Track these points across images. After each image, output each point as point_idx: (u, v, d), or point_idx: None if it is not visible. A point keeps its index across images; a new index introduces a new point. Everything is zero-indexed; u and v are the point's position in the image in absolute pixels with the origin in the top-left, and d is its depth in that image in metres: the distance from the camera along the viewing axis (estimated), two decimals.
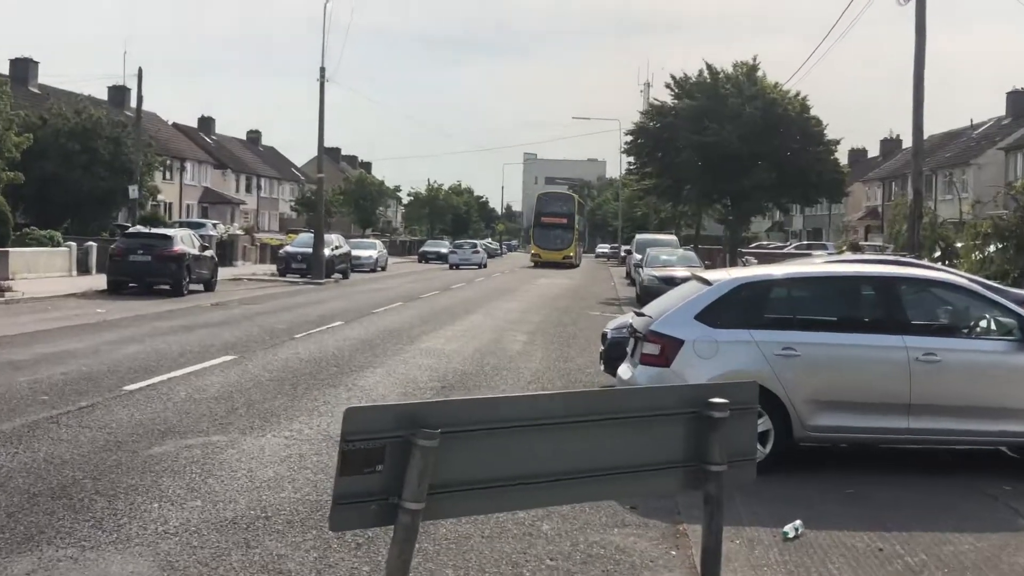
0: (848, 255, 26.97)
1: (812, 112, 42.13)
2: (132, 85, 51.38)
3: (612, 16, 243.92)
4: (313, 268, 40.26)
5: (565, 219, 74.81)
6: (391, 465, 4.14)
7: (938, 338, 9.42)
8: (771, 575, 6.37)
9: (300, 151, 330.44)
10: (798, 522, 7.22)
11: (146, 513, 7.23)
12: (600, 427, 4.78)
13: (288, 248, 45.62)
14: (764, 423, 8.55)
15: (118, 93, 65.74)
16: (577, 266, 72.84)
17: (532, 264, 71.69)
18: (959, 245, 27.65)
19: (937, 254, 27.58)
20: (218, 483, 8.14)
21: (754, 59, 42.93)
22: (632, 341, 10.22)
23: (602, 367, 13.23)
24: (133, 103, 50.84)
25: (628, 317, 12.70)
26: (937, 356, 9.08)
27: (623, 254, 69.53)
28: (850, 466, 9.55)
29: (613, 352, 12.23)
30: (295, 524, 7.09)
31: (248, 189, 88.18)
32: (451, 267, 62.77)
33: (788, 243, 72.59)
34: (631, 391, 7.22)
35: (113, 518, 7.08)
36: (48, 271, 35.11)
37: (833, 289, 10.12)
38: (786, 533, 7.08)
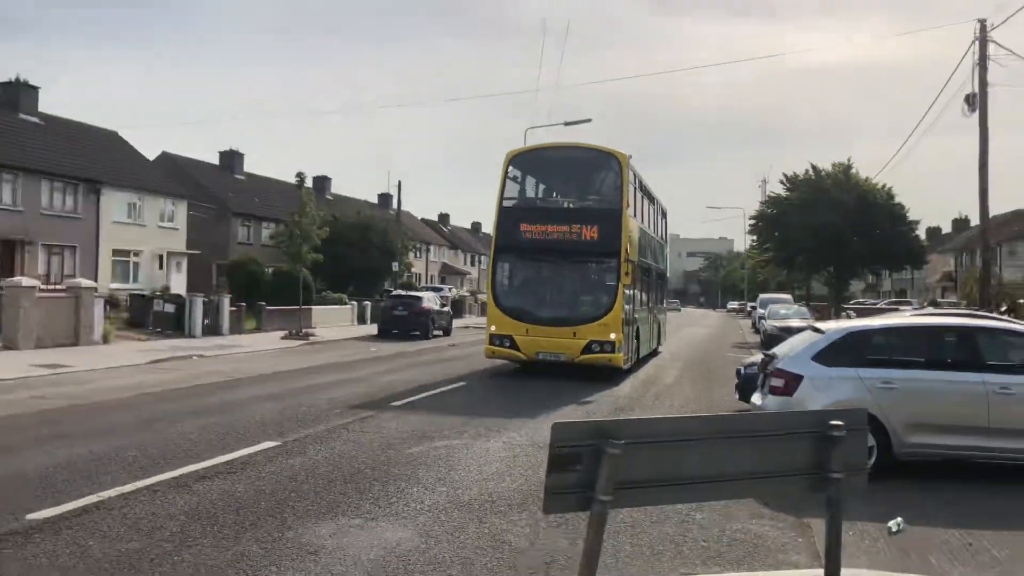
0: (930, 310, 25.34)
1: (897, 199, 39.97)
2: (394, 192, 53.89)
3: (735, 129, 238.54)
4: None
5: (595, 225, 16.50)
6: (587, 466, 4.07)
7: (1011, 375, 8.64)
8: (879, 560, 5.94)
9: None
10: (900, 519, 6.69)
11: (408, 495, 7.35)
12: (740, 442, 4.59)
13: None
14: (869, 441, 8.04)
15: (384, 199, 68.73)
16: (630, 368, 18.35)
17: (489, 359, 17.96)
18: (1021, 302, 25.73)
19: (1003, 308, 25.65)
20: (457, 475, 8.22)
21: (848, 160, 41.41)
22: (762, 376, 9.89)
23: (737, 396, 12.88)
24: (395, 205, 53.08)
25: (757, 357, 12.29)
26: (1011, 390, 8.40)
27: (749, 309, 67.05)
28: (948, 477, 8.82)
29: (746, 385, 11.90)
30: (513, 507, 7.08)
31: (472, 263, 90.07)
32: None
33: (879, 300, 68.45)
34: (763, 415, 6.93)
35: (385, 499, 7.22)
36: (338, 322, 36.81)
37: (922, 336, 9.46)
38: (890, 528, 6.52)
